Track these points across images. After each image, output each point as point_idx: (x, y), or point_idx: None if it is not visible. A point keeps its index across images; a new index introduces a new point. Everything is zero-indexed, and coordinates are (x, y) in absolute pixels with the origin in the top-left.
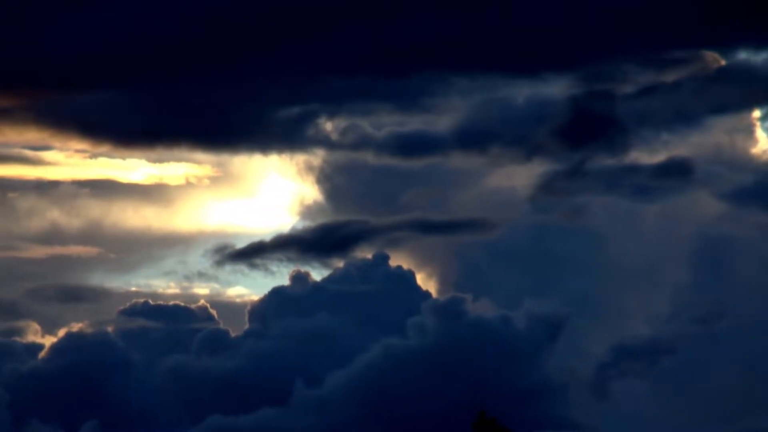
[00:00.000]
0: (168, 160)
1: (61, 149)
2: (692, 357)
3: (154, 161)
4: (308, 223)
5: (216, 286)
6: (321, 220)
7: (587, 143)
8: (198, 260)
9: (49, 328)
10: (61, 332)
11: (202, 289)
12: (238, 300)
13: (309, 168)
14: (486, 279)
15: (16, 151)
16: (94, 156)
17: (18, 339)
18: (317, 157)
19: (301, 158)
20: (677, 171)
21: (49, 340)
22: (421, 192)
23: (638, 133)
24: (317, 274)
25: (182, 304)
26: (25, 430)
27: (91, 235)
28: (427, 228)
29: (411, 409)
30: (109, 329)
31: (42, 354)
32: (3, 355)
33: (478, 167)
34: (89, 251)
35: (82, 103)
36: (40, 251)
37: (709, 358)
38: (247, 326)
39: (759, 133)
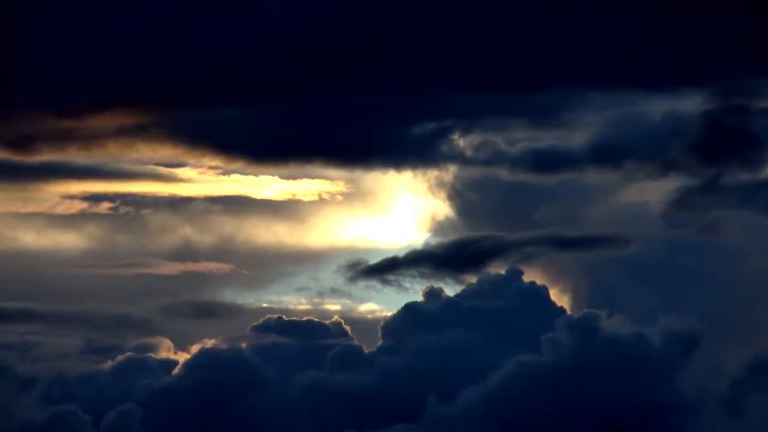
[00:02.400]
0: (301, 177)
1: (194, 166)
2: None
3: (287, 178)
4: (441, 239)
5: (347, 302)
6: (453, 235)
7: (722, 158)
8: (330, 276)
9: (181, 345)
10: (194, 348)
11: (333, 306)
12: (369, 316)
13: (440, 184)
14: (619, 295)
15: (150, 167)
16: (227, 173)
17: (152, 355)
18: (449, 173)
19: (433, 174)
20: None
21: (181, 356)
22: (554, 207)
23: None
24: (450, 289)
25: (316, 319)
26: None
27: (223, 251)
28: (561, 244)
29: (544, 425)
30: (243, 345)
31: (176, 370)
32: (137, 371)
33: (611, 183)
34: (221, 267)
35: (216, 119)
36: (172, 268)
37: None
38: (380, 342)
39: None
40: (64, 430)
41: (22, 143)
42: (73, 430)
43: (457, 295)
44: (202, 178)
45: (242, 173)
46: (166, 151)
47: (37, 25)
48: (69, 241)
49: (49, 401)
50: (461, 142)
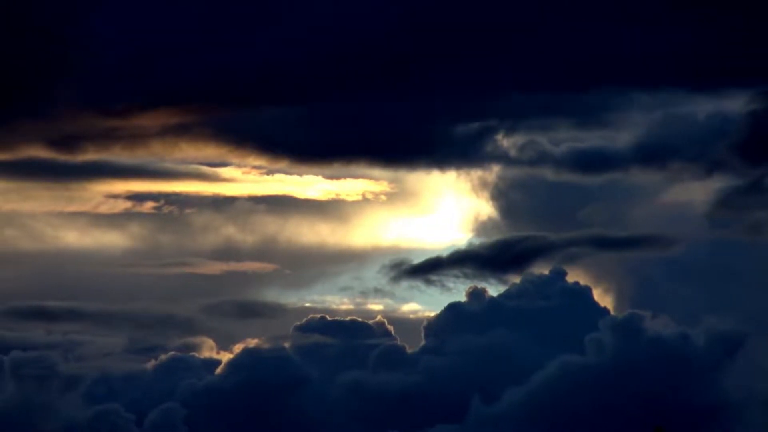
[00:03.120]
0: (345, 177)
1: (238, 165)
2: None
3: (331, 177)
4: (484, 239)
5: (390, 302)
6: (496, 236)
7: (767, 159)
8: (373, 276)
9: (224, 344)
10: (237, 348)
11: (376, 305)
12: (411, 316)
13: (483, 184)
14: (663, 295)
15: (194, 167)
16: (271, 172)
17: (195, 354)
18: (492, 173)
19: (476, 174)
20: None
21: (224, 356)
22: (599, 208)
23: None
24: (493, 290)
25: (359, 319)
26: None
27: (266, 251)
28: (605, 244)
29: (588, 425)
30: (286, 345)
31: (219, 370)
32: (180, 370)
33: (656, 183)
34: (265, 267)
35: (260, 119)
36: (215, 267)
37: None
38: (423, 342)
39: None
40: (107, 429)
41: (67, 143)
42: (116, 429)
43: (500, 296)
44: (246, 178)
45: (286, 173)
46: (210, 151)
47: (82, 26)
48: (112, 240)
49: (93, 400)
50: (505, 142)
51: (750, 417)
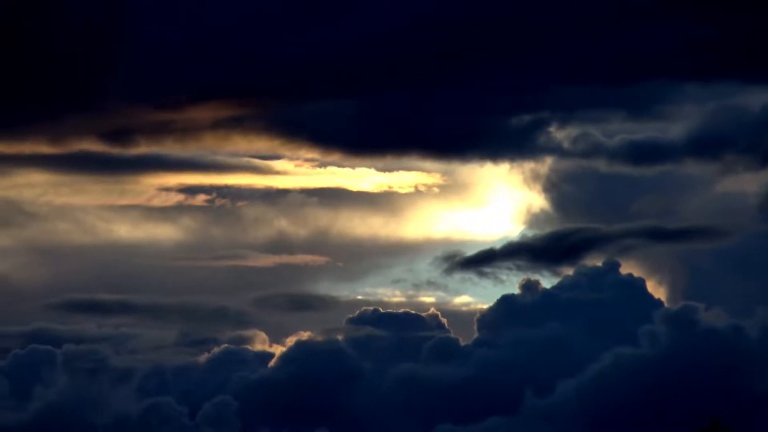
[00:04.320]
0: (397, 169)
1: (290, 158)
2: None
3: (383, 170)
4: (537, 231)
5: (442, 294)
6: (549, 228)
7: None
8: (426, 268)
9: (276, 337)
10: (289, 341)
11: (428, 298)
12: (464, 309)
13: (536, 176)
14: (717, 287)
15: (246, 160)
16: (323, 165)
17: (248, 347)
18: (545, 165)
19: (529, 166)
20: None
21: (276, 349)
22: (652, 199)
23: None
24: (547, 282)
25: (412, 311)
26: None
27: (319, 243)
28: (658, 235)
29: (641, 417)
30: (338, 337)
31: (272, 362)
32: (233, 363)
33: (709, 175)
34: (317, 260)
35: (313, 112)
36: (268, 260)
37: None
38: (476, 335)
39: None
40: (159, 422)
41: (119, 136)
42: (168, 421)
43: (553, 288)
44: (298, 171)
45: (338, 165)
46: (263, 144)
47: (135, 19)
48: (165, 233)
49: (145, 393)
50: (558, 134)
51: None
